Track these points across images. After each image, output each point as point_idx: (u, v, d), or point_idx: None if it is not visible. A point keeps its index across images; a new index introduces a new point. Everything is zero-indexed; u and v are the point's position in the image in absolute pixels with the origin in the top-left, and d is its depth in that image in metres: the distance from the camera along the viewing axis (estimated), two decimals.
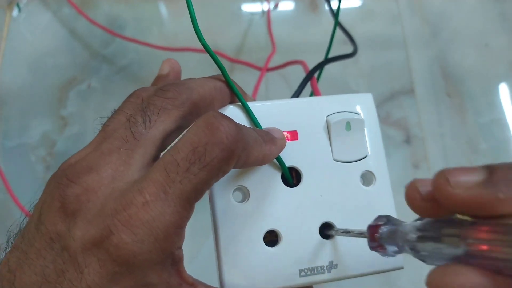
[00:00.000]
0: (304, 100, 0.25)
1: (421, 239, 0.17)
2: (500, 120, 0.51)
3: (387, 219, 0.19)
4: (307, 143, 0.24)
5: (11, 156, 0.48)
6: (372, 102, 0.25)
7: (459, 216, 0.16)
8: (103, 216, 0.17)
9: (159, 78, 0.24)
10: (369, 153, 0.24)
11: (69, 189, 0.18)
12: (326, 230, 0.23)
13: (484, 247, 0.14)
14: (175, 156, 0.17)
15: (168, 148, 0.19)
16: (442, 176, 0.15)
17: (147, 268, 0.17)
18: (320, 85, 0.52)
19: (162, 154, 0.19)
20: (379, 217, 0.19)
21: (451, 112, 0.52)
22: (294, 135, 0.23)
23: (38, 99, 0.51)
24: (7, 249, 0.19)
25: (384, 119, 0.51)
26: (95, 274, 0.16)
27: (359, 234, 0.20)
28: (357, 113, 0.25)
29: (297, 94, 0.27)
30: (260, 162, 0.21)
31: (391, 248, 0.18)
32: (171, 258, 0.18)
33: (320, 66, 0.27)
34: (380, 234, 0.18)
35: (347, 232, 0.21)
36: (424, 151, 0.50)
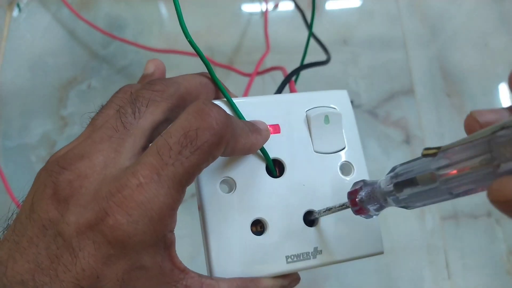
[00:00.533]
0: (284, 96, 0.26)
1: (397, 185, 0.18)
2: (500, 120, 0.52)
3: (363, 182, 0.20)
4: (289, 136, 0.25)
5: (11, 156, 0.48)
6: (347, 98, 0.27)
7: (424, 151, 0.18)
8: (98, 199, 0.17)
9: (144, 77, 0.25)
10: (347, 145, 0.26)
11: (62, 176, 0.18)
12: (309, 218, 0.24)
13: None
14: (168, 140, 0.18)
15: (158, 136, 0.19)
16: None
17: (141, 249, 0.18)
18: (320, 85, 0.52)
19: (150, 145, 0.19)
20: (355, 183, 0.21)
21: (451, 112, 0.52)
22: (276, 128, 0.25)
23: (38, 99, 0.51)
24: None
25: (384, 119, 0.51)
26: (90, 257, 0.17)
27: (341, 207, 0.22)
28: (334, 108, 0.26)
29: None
30: (247, 150, 0.22)
31: (373, 207, 0.20)
32: (163, 241, 0.19)
33: (296, 72, 0.30)
34: (360, 197, 0.20)
35: (329, 210, 0.23)
36: None
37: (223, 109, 0.19)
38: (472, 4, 0.59)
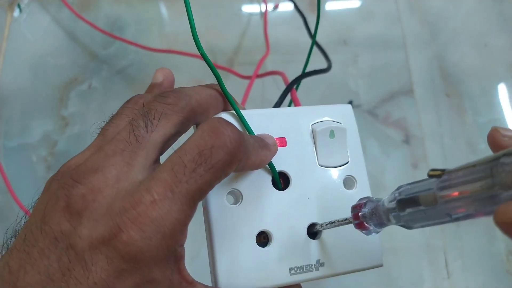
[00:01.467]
0: (290, 110, 0.27)
1: (400, 203, 0.19)
2: (499, 120, 0.52)
3: (368, 199, 0.21)
4: (294, 150, 0.25)
5: (12, 156, 0.48)
6: (351, 112, 0.27)
7: (430, 172, 0.18)
8: (111, 214, 0.17)
9: (153, 86, 0.25)
10: (350, 159, 0.26)
11: (75, 189, 0.18)
12: (313, 230, 0.25)
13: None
14: (182, 158, 0.18)
15: (174, 150, 0.19)
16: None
17: (153, 264, 0.18)
18: (320, 85, 0.52)
19: (165, 161, 0.19)
20: (361, 199, 0.21)
21: (450, 112, 0.52)
22: (283, 141, 0.25)
23: (39, 99, 0.51)
24: (3, 252, 0.19)
25: (384, 119, 0.51)
26: (102, 271, 0.17)
27: (343, 221, 0.22)
28: (339, 122, 0.26)
29: (278, 104, 0.29)
30: (256, 166, 0.23)
31: (374, 224, 0.20)
32: (174, 255, 0.19)
33: (297, 80, 0.30)
34: (363, 212, 0.21)
35: (332, 223, 0.23)
36: (423, 151, 0.50)
37: (236, 128, 0.20)
38: (472, 4, 0.59)
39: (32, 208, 0.20)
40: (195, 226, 0.24)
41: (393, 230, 0.46)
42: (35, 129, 0.50)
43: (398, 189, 0.20)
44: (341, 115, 0.27)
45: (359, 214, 0.21)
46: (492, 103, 0.53)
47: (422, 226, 0.19)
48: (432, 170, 0.18)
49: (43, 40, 0.54)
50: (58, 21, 0.55)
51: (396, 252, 0.45)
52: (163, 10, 0.57)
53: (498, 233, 0.47)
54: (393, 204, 0.19)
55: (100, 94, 0.51)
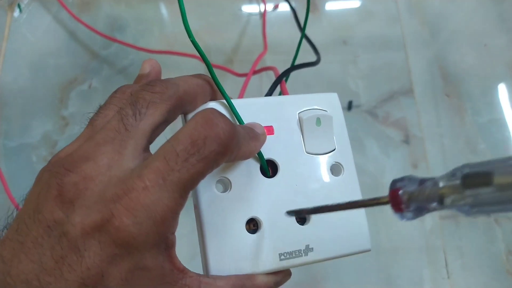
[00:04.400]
0: (278, 98, 0.27)
1: (464, 186, 0.15)
2: (499, 120, 0.52)
3: (410, 176, 0.18)
4: (282, 138, 0.26)
5: (12, 156, 0.48)
6: (337, 100, 0.28)
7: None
8: (104, 201, 0.18)
9: (140, 77, 0.25)
10: (337, 146, 0.27)
11: (67, 177, 0.18)
12: (301, 216, 0.25)
13: None
14: (175, 147, 0.18)
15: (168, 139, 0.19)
16: None
17: (144, 250, 0.18)
18: (320, 85, 0.52)
19: (157, 149, 0.19)
20: (394, 181, 0.18)
21: (450, 112, 0.52)
22: (270, 130, 0.25)
23: (39, 99, 0.51)
24: None
25: (383, 119, 0.51)
26: (95, 257, 0.17)
27: (375, 202, 0.19)
28: (325, 110, 0.27)
29: (268, 95, 0.29)
30: (246, 156, 0.23)
31: (415, 207, 0.17)
32: (165, 243, 0.19)
33: (287, 73, 0.30)
34: (407, 191, 0.17)
35: (320, 208, 0.21)
36: (423, 151, 0.50)
37: (229, 119, 0.20)
38: (472, 4, 0.59)
39: (23, 200, 0.20)
40: (194, 226, 0.24)
41: (393, 230, 0.46)
42: (35, 129, 0.50)
43: (456, 170, 0.16)
44: (328, 103, 0.27)
45: (400, 192, 0.17)
46: (492, 103, 0.53)
47: (487, 213, 0.15)
48: None
49: (43, 40, 0.55)
50: (58, 21, 0.56)
51: (396, 252, 0.45)
52: (163, 10, 0.57)
53: (498, 233, 0.47)
54: (456, 187, 0.16)
55: (100, 94, 0.51)
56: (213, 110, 0.20)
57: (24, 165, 0.48)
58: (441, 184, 0.16)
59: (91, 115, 0.22)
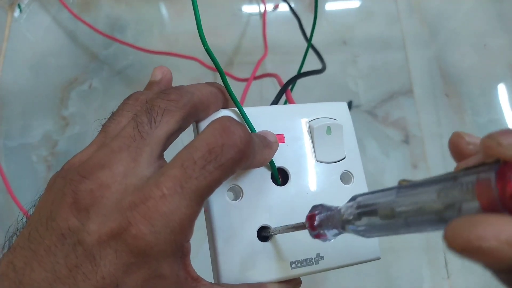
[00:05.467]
0: (288, 107, 0.27)
1: (359, 215, 0.18)
2: (499, 120, 0.52)
3: (322, 207, 0.21)
4: (293, 146, 0.26)
5: (13, 156, 0.48)
6: (347, 109, 0.28)
7: (401, 181, 0.18)
8: (121, 209, 0.17)
9: (151, 83, 0.25)
10: (347, 155, 0.27)
11: (82, 185, 0.18)
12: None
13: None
14: (193, 154, 0.18)
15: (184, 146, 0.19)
16: (493, 138, 0.15)
17: (161, 259, 0.18)
18: (320, 85, 0.52)
19: (174, 156, 0.19)
20: (314, 207, 0.21)
21: (449, 112, 0.52)
22: (281, 138, 0.25)
23: (39, 99, 0.51)
24: (4, 250, 0.19)
25: (383, 119, 0.51)
26: (111, 266, 0.17)
27: (297, 227, 0.22)
28: (335, 119, 0.27)
29: (274, 104, 0.29)
30: (260, 164, 0.23)
31: (331, 232, 0.20)
32: (181, 251, 0.19)
33: (292, 81, 0.30)
34: (318, 222, 0.20)
35: (287, 228, 0.23)
36: (422, 151, 0.50)
37: (246, 127, 0.20)
38: (471, 4, 0.59)
39: (34, 207, 0.19)
40: (196, 226, 0.24)
41: None
42: (36, 129, 0.50)
43: (353, 199, 0.19)
44: (337, 112, 0.28)
45: (314, 224, 0.20)
46: (492, 103, 0.53)
47: (379, 236, 0.19)
48: (402, 180, 0.18)
49: (44, 40, 0.55)
50: (59, 21, 0.56)
51: (396, 252, 0.45)
52: (163, 10, 0.57)
53: None
54: (350, 216, 0.19)
55: (101, 94, 0.51)
56: (230, 118, 0.20)
57: (25, 165, 0.48)
58: (342, 213, 0.19)
59: (104, 121, 0.21)
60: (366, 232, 0.19)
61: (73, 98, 0.51)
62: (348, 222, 0.19)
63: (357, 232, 0.19)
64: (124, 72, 0.53)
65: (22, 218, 0.20)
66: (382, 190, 0.18)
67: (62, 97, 0.51)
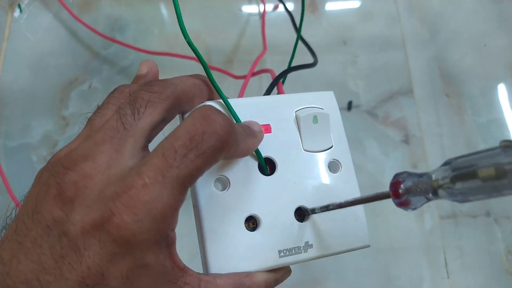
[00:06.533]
0: (274, 97, 0.27)
1: (455, 178, 0.17)
2: (499, 120, 0.52)
3: (407, 174, 0.20)
4: (279, 136, 0.26)
5: (13, 156, 0.48)
6: (334, 98, 0.28)
7: (503, 142, 0.17)
8: (104, 199, 0.18)
9: (138, 77, 0.25)
10: (334, 143, 0.27)
11: (66, 176, 0.18)
12: (300, 213, 0.25)
13: None
14: (174, 143, 0.18)
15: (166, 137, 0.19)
16: None
17: (145, 248, 0.18)
18: (320, 85, 0.52)
19: (156, 146, 0.19)
20: (396, 175, 0.20)
21: (449, 112, 0.52)
22: (267, 128, 0.25)
23: (39, 99, 0.51)
24: None
25: (383, 119, 0.51)
26: (95, 256, 0.17)
27: (379, 196, 0.21)
28: (322, 108, 0.27)
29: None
30: (244, 153, 0.23)
31: (417, 199, 0.19)
32: (166, 240, 0.19)
33: (283, 75, 0.31)
34: (405, 187, 0.19)
35: (326, 207, 0.23)
36: (422, 151, 0.50)
37: (227, 116, 0.20)
38: (471, 5, 0.59)
39: (22, 200, 0.20)
40: (195, 226, 0.24)
41: (393, 229, 0.46)
42: (36, 129, 0.50)
43: (447, 163, 0.18)
44: (324, 101, 0.28)
45: (400, 190, 0.19)
46: (492, 103, 0.53)
47: (477, 199, 0.18)
48: (504, 141, 0.17)
49: (44, 40, 0.55)
50: (59, 21, 0.56)
51: (396, 252, 0.45)
52: (163, 10, 0.57)
53: (498, 233, 0.47)
54: (446, 180, 0.18)
55: (101, 94, 0.51)
56: (210, 106, 0.20)
57: (25, 165, 0.48)
58: (434, 178, 0.18)
59: (89, 115, 0.22)
60: (465, 196, 0.18)
61: (73, 98, 0.51)
62: (441, 186, 0.18)
63: (453, 196, 0.18)
64: (124, 72, 0.53)
65: (11, 213, 0.21)
66: (479, 152, 0.17)
67: (62, 97, 0.51)
